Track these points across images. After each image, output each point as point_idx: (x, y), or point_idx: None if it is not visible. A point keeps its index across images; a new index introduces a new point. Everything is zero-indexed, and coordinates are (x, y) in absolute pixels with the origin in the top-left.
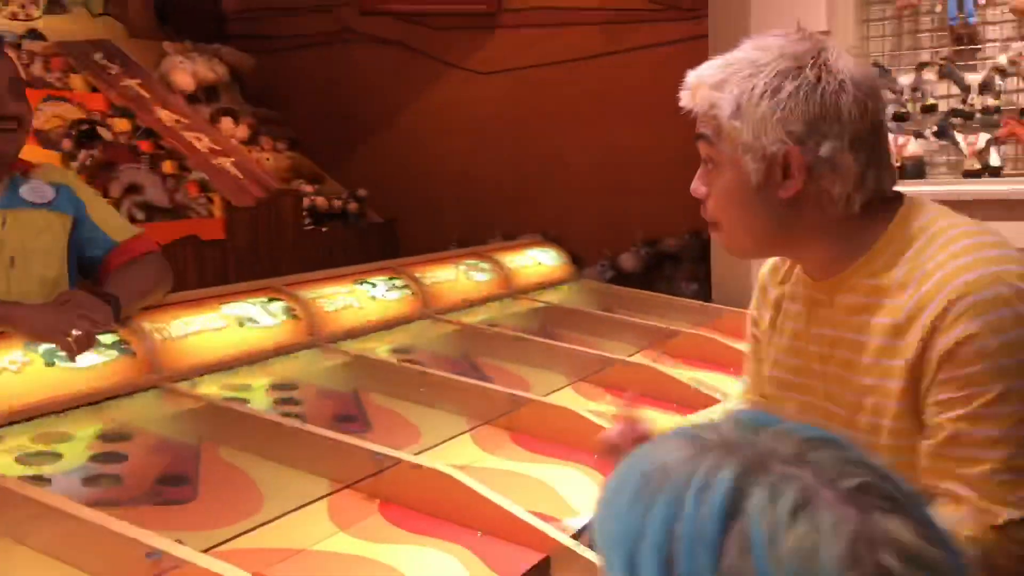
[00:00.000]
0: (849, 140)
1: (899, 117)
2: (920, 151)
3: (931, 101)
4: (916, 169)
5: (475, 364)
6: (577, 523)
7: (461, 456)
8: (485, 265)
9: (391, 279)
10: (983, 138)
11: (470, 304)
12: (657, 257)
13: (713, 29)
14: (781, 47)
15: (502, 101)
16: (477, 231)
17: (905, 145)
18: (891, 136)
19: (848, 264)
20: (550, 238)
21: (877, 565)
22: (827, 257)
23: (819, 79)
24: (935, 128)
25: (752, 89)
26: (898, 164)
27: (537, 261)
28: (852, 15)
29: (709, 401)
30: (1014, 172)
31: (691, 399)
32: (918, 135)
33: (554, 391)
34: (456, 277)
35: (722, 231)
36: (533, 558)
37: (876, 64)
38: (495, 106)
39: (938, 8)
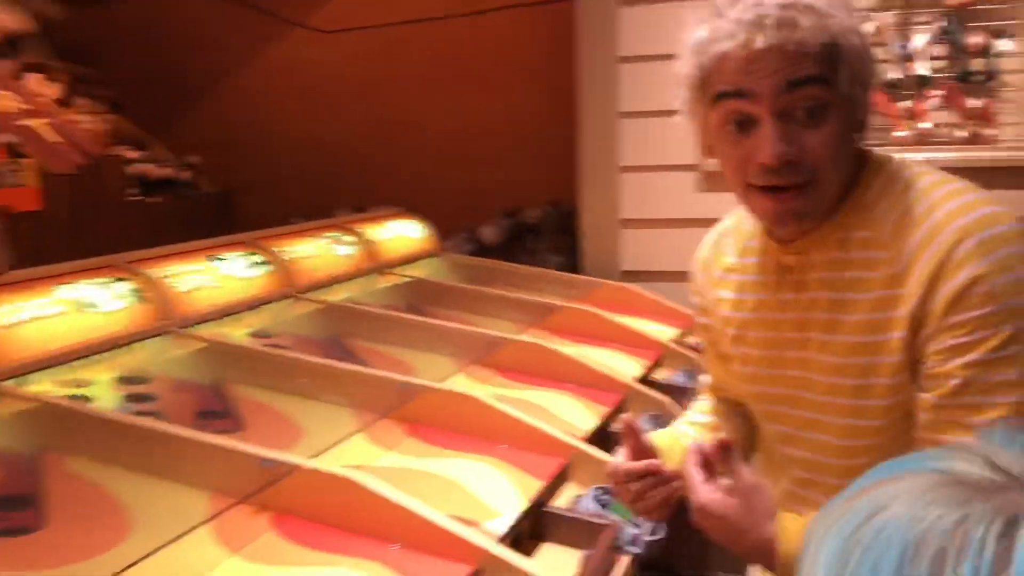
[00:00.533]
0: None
1: None
2: None
3: None
4: None
5: (348, 348)
6: (501, 526)
7: (355, 455)
8: (348, 238)
9: (249, 254)
10: None
11: (335, 281)
12: (518, 229)
13: None
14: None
15: (349, 62)
16: (323, 203)
17: None
18: None
19: (826, 219)
20: (406, 209)
21: None
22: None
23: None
24: None
25: (858, 21)
26: None
27: (400, 234)
28: None
29: (605, 380)
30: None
31: (587, 378)
32: None
33: (448, 376)
34: (318, 252)
35: (815, 191)
36: (461, 572)
37: None
38: (341, 68)
39: None
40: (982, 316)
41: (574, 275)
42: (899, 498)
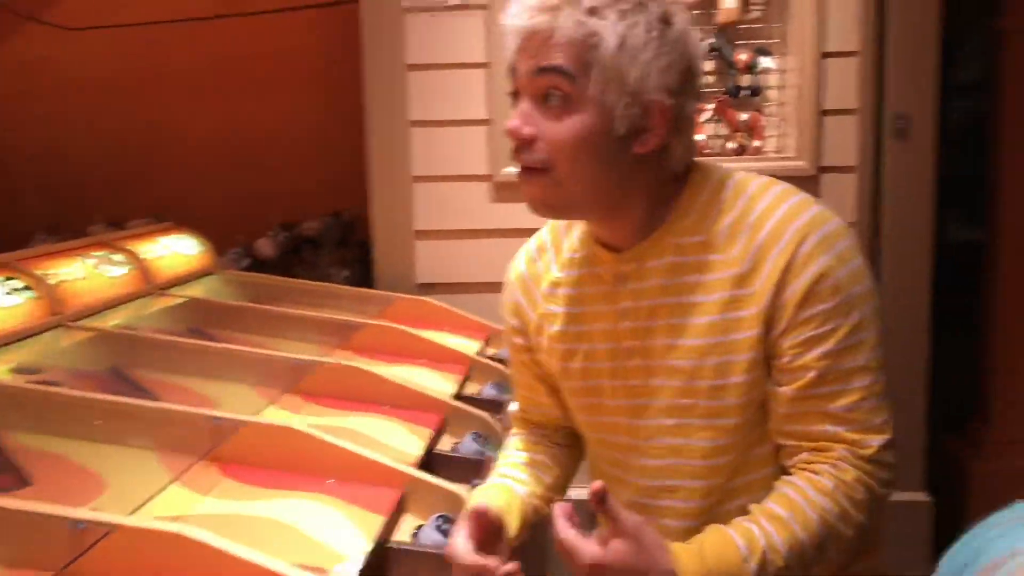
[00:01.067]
0: (697, 99)
1: None
2: None
3: None
4: None
5: (134, 381)
6: (351, 570)
7: (169, 505)
8: (118, 257)
9: (5, 279)
10: None
11: (107, 306)
12: (296, 242)
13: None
14: None
15: (99, 63)
16: (72, 216)
17: None
18: None
19: (657, 226)
20: (174, 223)
21: None
22: (642, 221)
23: (687, 30)
24: None
25: (637, 26)
26: None
27: (175, 251)
28: None
29: (423, 400)
30: None
31: (405, 400)
32: None
33: (256, 407)
34: (87, 274)
35: (549, 180)
36: None
37: None
38: (89, 68)
39: None
40: (832, 308)
41: (368, 290)
42: None
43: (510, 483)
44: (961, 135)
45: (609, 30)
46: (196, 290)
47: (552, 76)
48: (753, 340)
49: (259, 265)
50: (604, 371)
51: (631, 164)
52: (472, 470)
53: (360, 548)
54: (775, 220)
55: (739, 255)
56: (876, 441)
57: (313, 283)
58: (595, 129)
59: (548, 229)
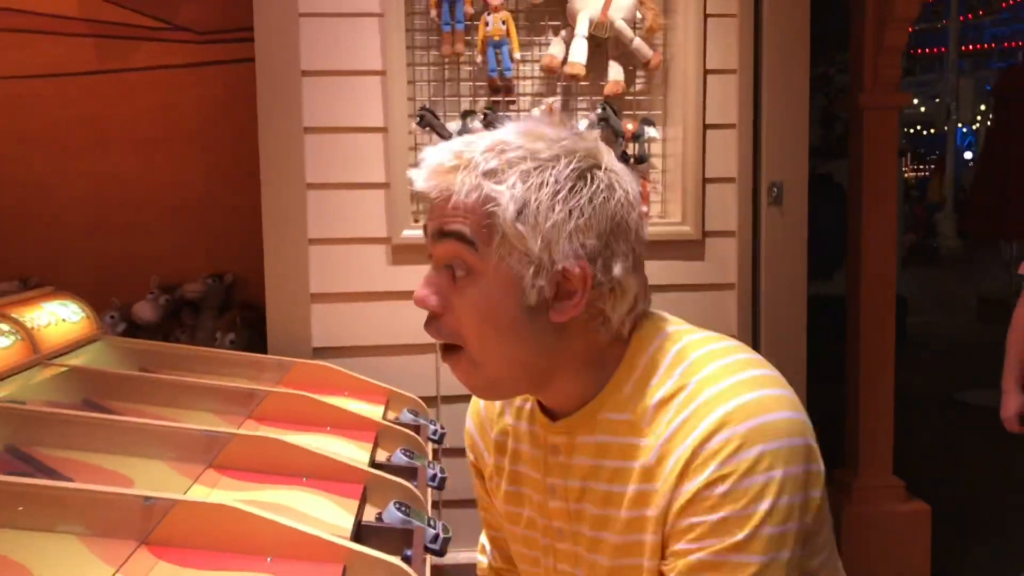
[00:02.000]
0: (634, 259)
1: None
2: None
3: None
4: None
5: (36, 459)
6: None
7: None
8: (3, 326)
9: None
10: None
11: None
12: (176, 305)
13: (261, 57)
14: (561, 141)
15: None
16: None
17: None
18: None
19: (591, 397)
20: (33, 285)
21: None
22: (577, 390)
23: (611, 186)
24: None
25: (541, 188)
26: None
27: (58, 317)
28: (403, 57)
29: (343, 471)
30: None
31: (325, 470)
32: None
33: (177, 484)
34: None
35: (467, 359)
36: None
37: (427, 110)
38: None
39: (479, 59)
40: (714, 522)
41: (262, 355)
42: None
43: None
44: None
45: (507, 195)
46: (84, 358)
47: (452, 243)
48: (656, 546)
49: (136, 329)
50: (539, 546)
51: (554, 335)
52: (401, 540)
53: None
54: (698, 403)
55: (654, 441)
56: None
57: (206, 349)
58: (499, 301)
59: None
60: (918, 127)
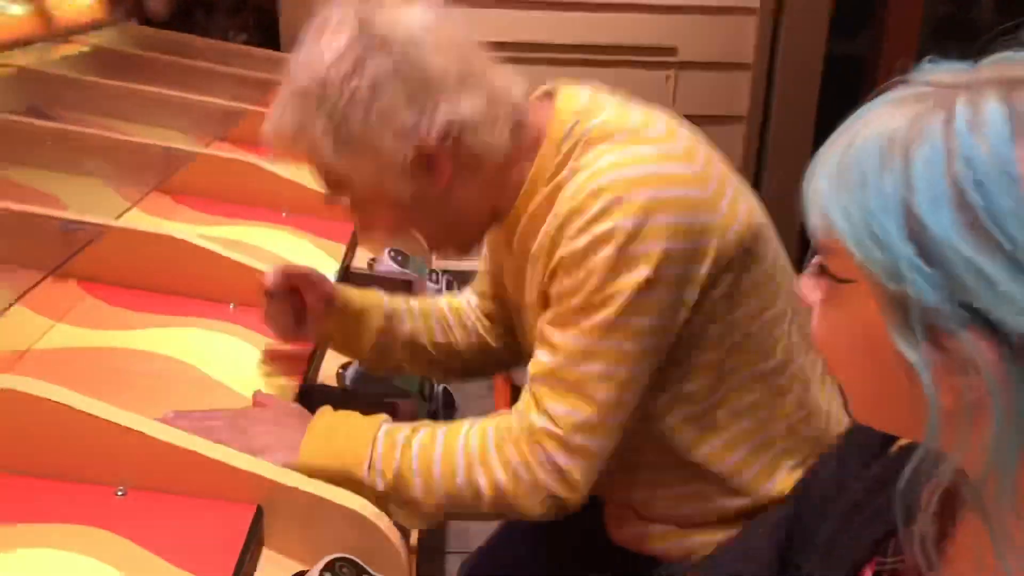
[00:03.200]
0: (455, 88)
1: None
2: None
3: None
4: None
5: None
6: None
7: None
8: None
9: None
10: None
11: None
12: (188, 4)
13: None
14: (321, 52)
15: None
16: None
17: None
18: None
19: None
20: None
21: None
22: (499, 201)
23: (388, 54)
24: None
25: (331, 117)
26: None
27: None
28: None
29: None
30: None
31: (309, 205)
32: None
33: (127, 209)
34: None
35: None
36: None
37: None
38: None
39: None
40: (572, 285)
41: (276, 52)
42: (869, 125)
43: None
44: None
45: (319, 143)
46: (99, 39)
47: (332, 198)
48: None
49: (147, 24)
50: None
51: (447, 197)
52: (397, 290)
53: (282, 394)
54: (581, 178)
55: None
56: (541, 421)
57: (221, 42)
58: (391, 210)
59: None
60: None
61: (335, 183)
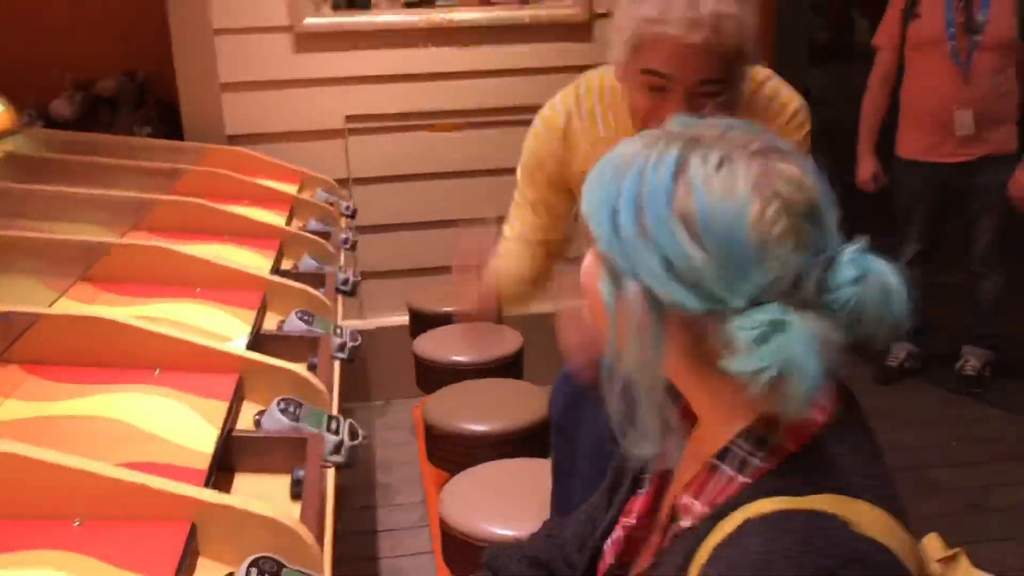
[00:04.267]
0: None
1: None
2: None
3: None
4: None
5: None
6: (199, 463)
7: None
8: None
9: None
10: None
11: None
12: (93, 102)
13: None
14: None
15: None
16: None
17: None
18: None
19: None
20: None
21: (774, 190)
22: None
23: None
24: None
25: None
26: None
27: None
28: None
29: (241, 279)
30: (446, 3)
31: (219, 280)
32: None
33: (56, 299)
34: None
35: None
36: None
37: None
38: None
39: None
40: None
41: (180, 142)
42: (621, 148)
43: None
44: None
45: (752, 34)
46: (11, 146)
47: (715, 86)
48: None
49: (54, 126)
50: None
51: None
52: (305, 348)
53: (206, 439)
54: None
55: None
56: None
57: (126, 137)
58: (733, 106)
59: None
60: None
61: (732, 69)
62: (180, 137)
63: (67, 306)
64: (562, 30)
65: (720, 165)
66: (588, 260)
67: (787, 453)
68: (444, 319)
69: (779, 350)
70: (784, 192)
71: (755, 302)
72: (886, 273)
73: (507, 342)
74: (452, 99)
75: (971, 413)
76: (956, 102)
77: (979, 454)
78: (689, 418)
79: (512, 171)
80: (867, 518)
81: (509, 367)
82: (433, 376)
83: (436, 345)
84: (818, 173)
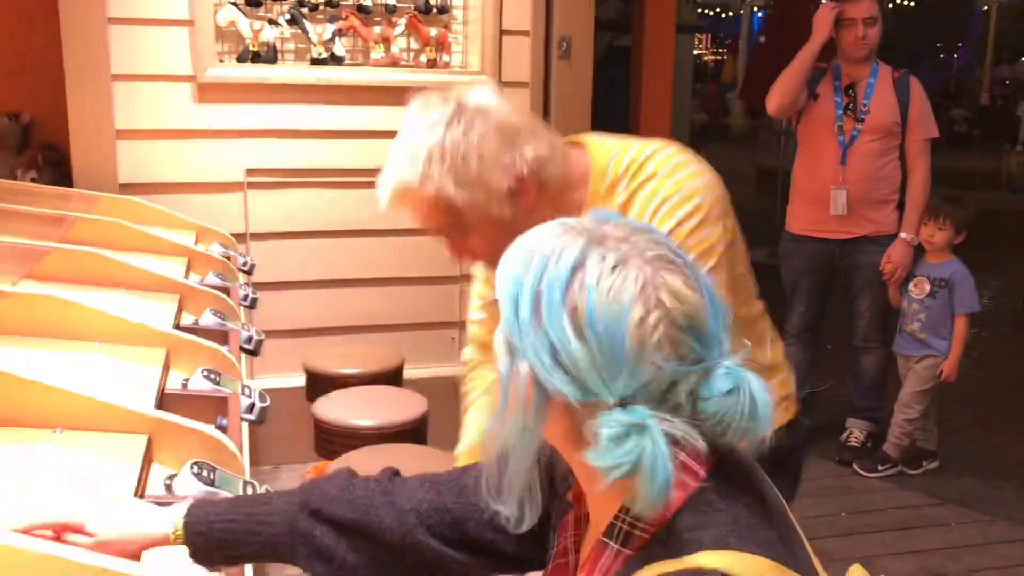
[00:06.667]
0: (531, 136)
1: (253, 2)
2: (272, 38)
3: None
4: (270, 54)
5: None
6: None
7: None
8: None
9: None
10: (329, 28)
11: None
12: None
13: None
14: (435, 121)
15: None
16: None
17: (260, 31)
18: (247, 21)
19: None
20: None
21: (658, 299)
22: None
23: (486, 117)
24: (287, 16)
25: (453, 165)
26: (253, 49)
27: None
28: None
29: (144, 334)
30: (352, 62)
31: (119, 334)
32: (272, 22)
33: None
34: None
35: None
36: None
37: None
38: None
39: None
40: None
41: (69, 189)
42: (537, 233)
43: None
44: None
45: (442, 184)
46: None
47: (442, 228)
48: None
49: None
50: None
51: (530, 213)
52: (214, 408)
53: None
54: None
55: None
56: None
57: (10, 181)
58: (494, 228)
59: None
60: (717, 9)
61: (447, 218)
62: (68, 184)
63: None
64: None
65: (615, 267)
66: (498, 328)
67: (666, 519)
68: (342, 381)
69: (632, 452)
70: (667, 303)
71: (626, 401)
72: (757, 390)
73: (410, 407)
74: (355, 157)
75: (858, 484)
76: (834, 181)
77: (866, 525)
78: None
79: (409, 232)
80: (748, 566)
81: (412, 432)
82: (333, 440)
83: (337, 408)
84: (709, 287)
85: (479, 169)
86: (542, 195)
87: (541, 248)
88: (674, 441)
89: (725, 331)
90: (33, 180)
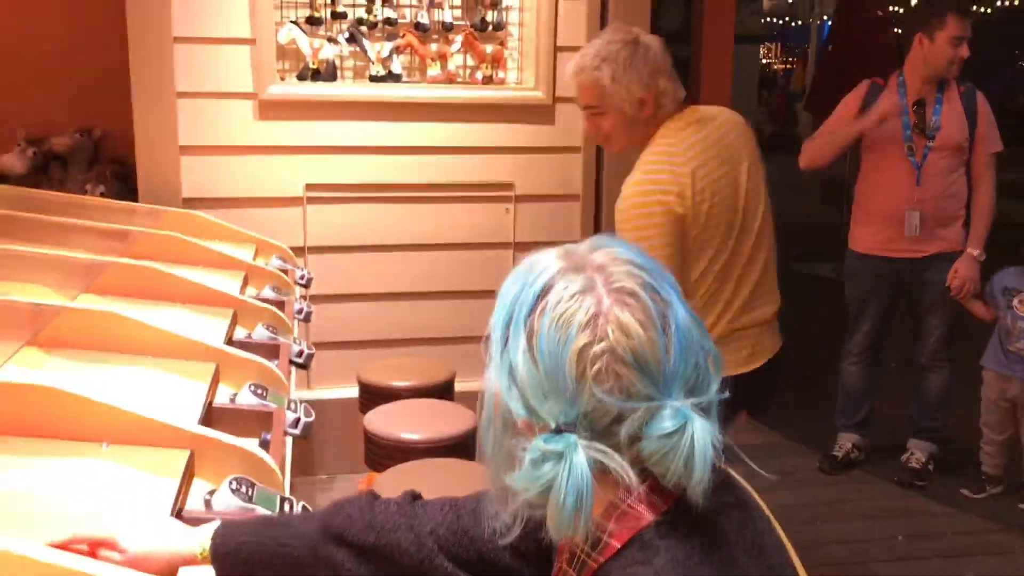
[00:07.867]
0: (669, 80)
1: (313, 21)
2: (332, 56)
3: (341, 8)
4: (330, 72)
5: None
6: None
7: None
8: None
9: None
10: (387, 46)
11: None
12: (44, 158)
13: None
14: (616, 39)
15: None
16: None
17: (320, 49)
18: (307, 39)
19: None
20: None
21: (604, 332)
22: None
23: (645, 50)
24: (346, 34)
25: (614, 66)
26: (313, 66)
27: None
28: None
29: (194, 349)
30: (410, 79)
31: (171, 349)
32: (332, 40)
33: (2, 364)
34: None
35: (613, 144)
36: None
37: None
38: None
39: None
40: None
41: (135, 203)
42: (535, 256)
43: None
44: None
45: (605, 75)
46: None
47: (588, 109)
48: None
49: (4, 182)
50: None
51: (644, 122)
52: (258, 423)
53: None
54: None
55: None
56: None
57: (79, 196)
58: (619, 119)
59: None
60: (787, 18)
61: (595, 100)
62: (134, 198)
63: (11, 373)
64: (524, 111)
65: (574, 295)
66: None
67: (614, 550)
68: (394, 394)
69: (542, 477)
70: (612, 337)
71: (565, 428)
72: (703, 434)
73: (459, 421)
74: (412, 172)
75: (916, 507)
76: (908, 202)
77: (924, 550)
78: None
79: (462, 246)
80: None
81: (460, 447)
82: (383, 453)
83: (387, 421)
84: (680, 327)
85: (629, 79)
86: (653, 113)
87: (531, 270)
88: (604, 472)
89: (691, 371)
90: (102, 194)
